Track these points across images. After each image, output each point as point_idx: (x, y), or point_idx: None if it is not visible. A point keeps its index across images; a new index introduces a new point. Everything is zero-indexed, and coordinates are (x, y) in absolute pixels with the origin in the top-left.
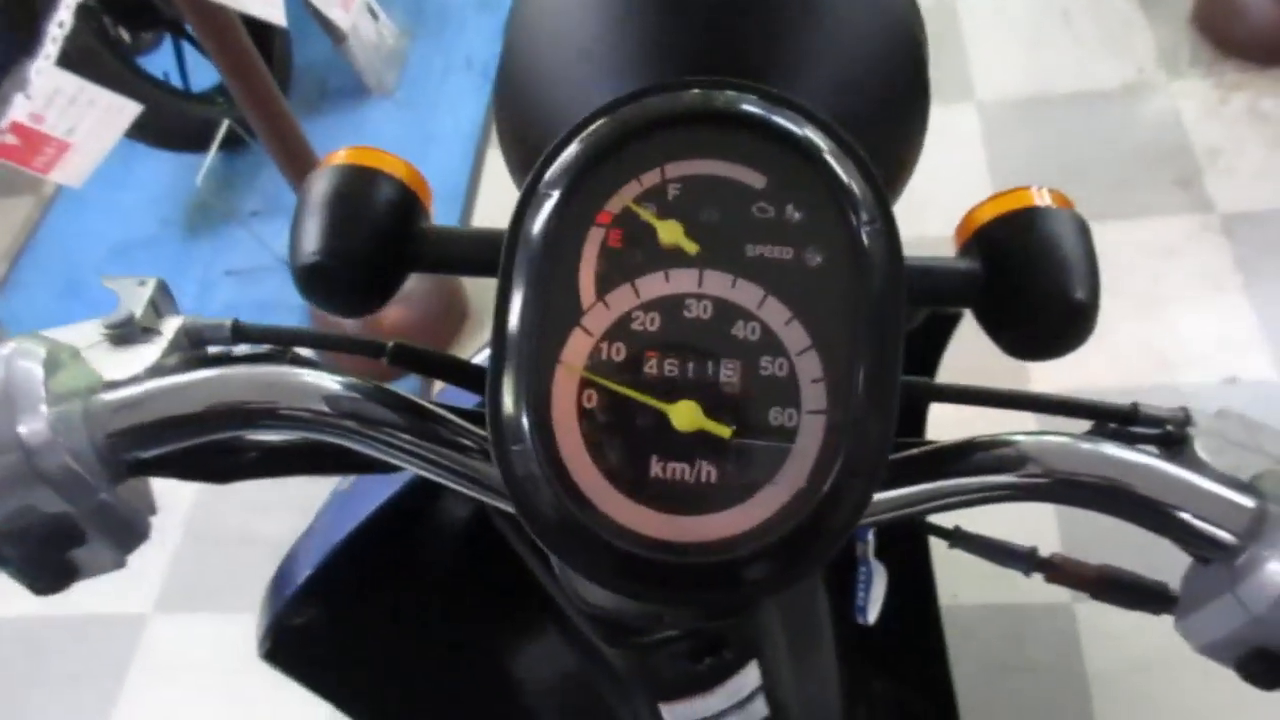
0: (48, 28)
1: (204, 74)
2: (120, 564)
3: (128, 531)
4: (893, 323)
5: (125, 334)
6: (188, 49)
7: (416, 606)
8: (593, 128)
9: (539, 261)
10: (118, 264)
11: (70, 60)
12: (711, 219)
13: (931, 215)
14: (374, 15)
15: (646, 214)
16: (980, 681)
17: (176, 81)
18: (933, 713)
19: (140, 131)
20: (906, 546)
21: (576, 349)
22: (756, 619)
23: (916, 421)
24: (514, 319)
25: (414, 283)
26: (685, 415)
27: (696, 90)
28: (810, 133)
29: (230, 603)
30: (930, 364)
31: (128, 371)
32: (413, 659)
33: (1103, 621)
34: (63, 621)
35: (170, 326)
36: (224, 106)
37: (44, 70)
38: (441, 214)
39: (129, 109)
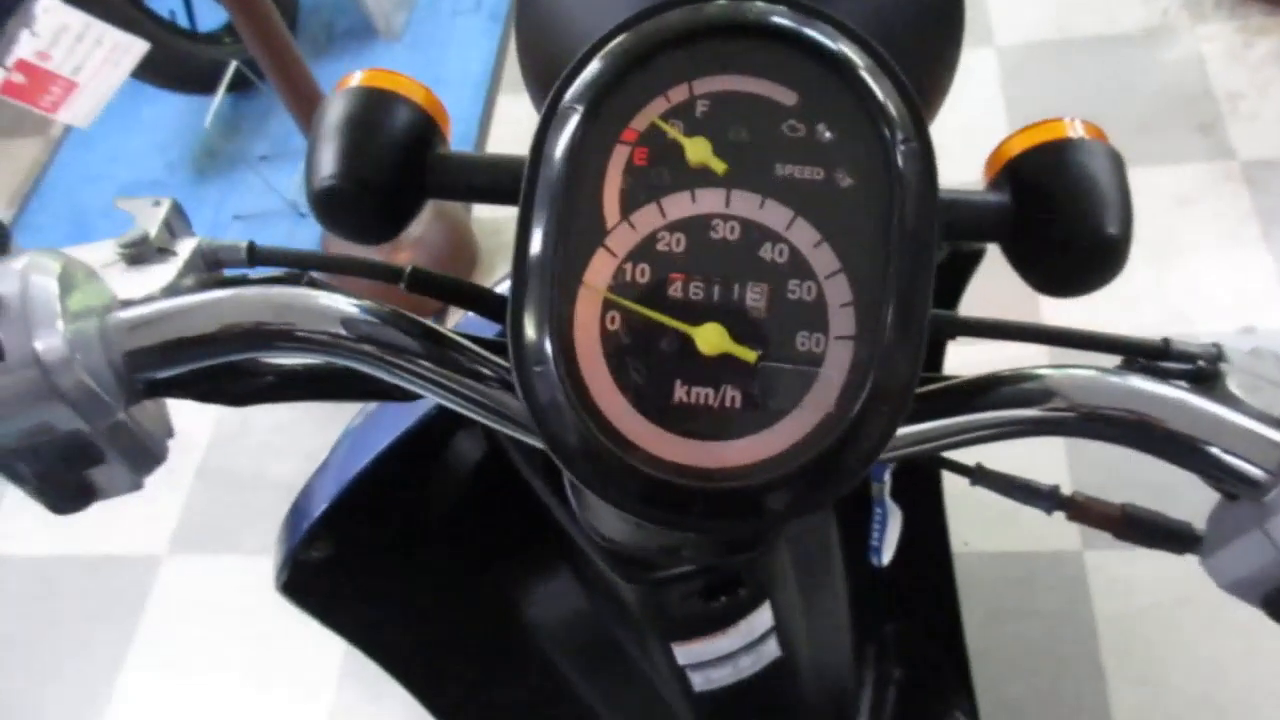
0: None
1: (211, 13)
2: (138, 486)
3: (144, 453)
4: (925, 247)
5: (140, 254)
6: None
7: (429, 544)
8: (618, 41)
9: (562, 180)
10: None
11: None
12: (740, 137)
13: (947, 162)
14: None
15: (674, 131)
16: (989, 627)
17: (183, 21)
18: (942, 654)
19: (147, 72)
20: (920, 488)
21: (600, 270)
22: (770, 559)
23: (935, 357)
24: (536, 239)
25: (424, 226)
26: (710, 338)
27: (726, 2)
28: (844, 47)
29: (243, 544)
30: (951, 297)
31: (143, 291)
32: (425, 596)
33: (1111, 568)
34: (78, 561)
35: (185, 247)
36: (232, 47)
37: (50, 7)
38: None
39: (136, 47)
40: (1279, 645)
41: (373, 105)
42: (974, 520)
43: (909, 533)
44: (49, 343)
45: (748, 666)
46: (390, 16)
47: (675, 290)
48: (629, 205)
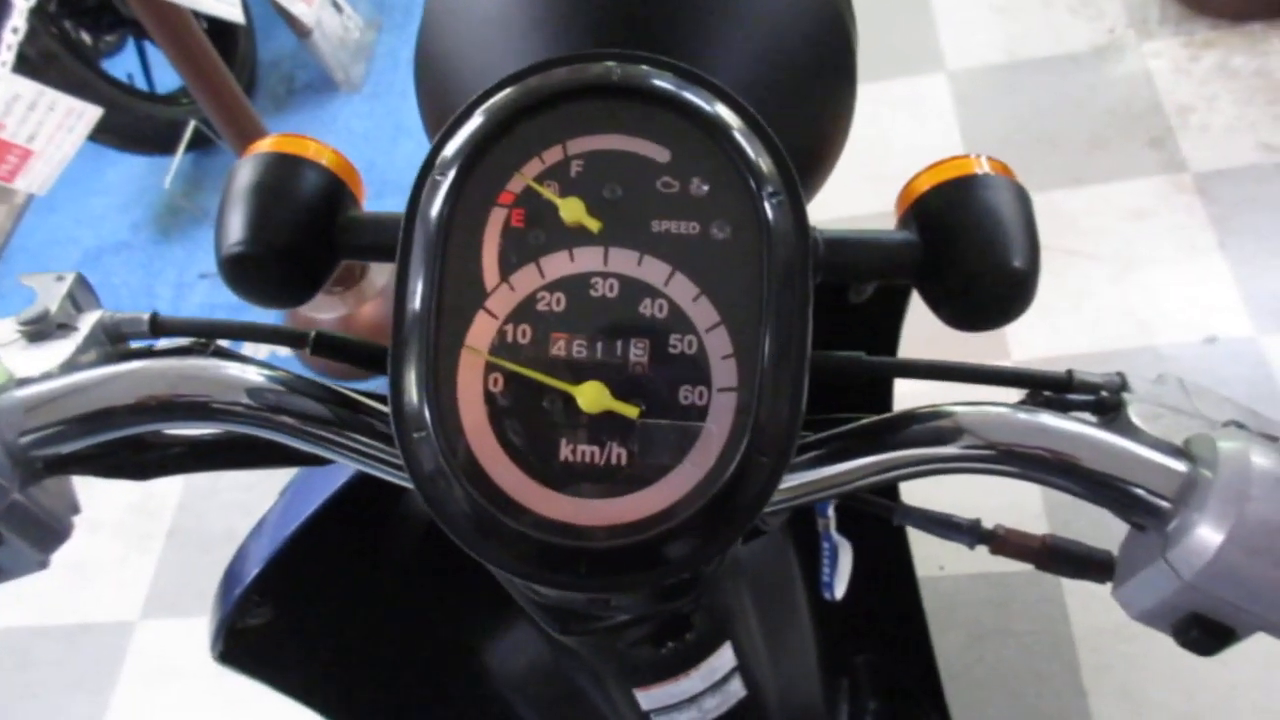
0: (2, 34)
1: (169, 74)
2: (43, 565)
3: (46, 532)
4: (799, 296)
5: (41, 330)
6: (151, 50)
7: (381, 596)
8: (492, 101)
9: (439, 243)
10: (91, 270)
11: (31, 65)
12: (615, 195)
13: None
14: (338, 8)
15: (548, 192)
16: (969, 650)
17: (141, 83)
18: (915, 681)
19: (107, 134)
20: (877, 518)
21: (481, 332)
22: (725, 598)
23: (883, 395)
24: (416, 304)
25: (389, 273)
26: (592, 397)
27: (601, 63)
28: (713, 105)
29: None
30: (889, 333)
31: (41, 369)
32: (382, 651)
33: (1087, 585)
34: (50, 632)
35: (87, 322)
36: (190, 106)
37: (1, 77)
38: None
39: (89, 113)
40: (1257, 655)
41: (279, 170)
42: (948, 543)
43: (872, 563)
44: None
45: (713, 708)
46: (349, 68)
47: (558, 349)
48: (508, 267)
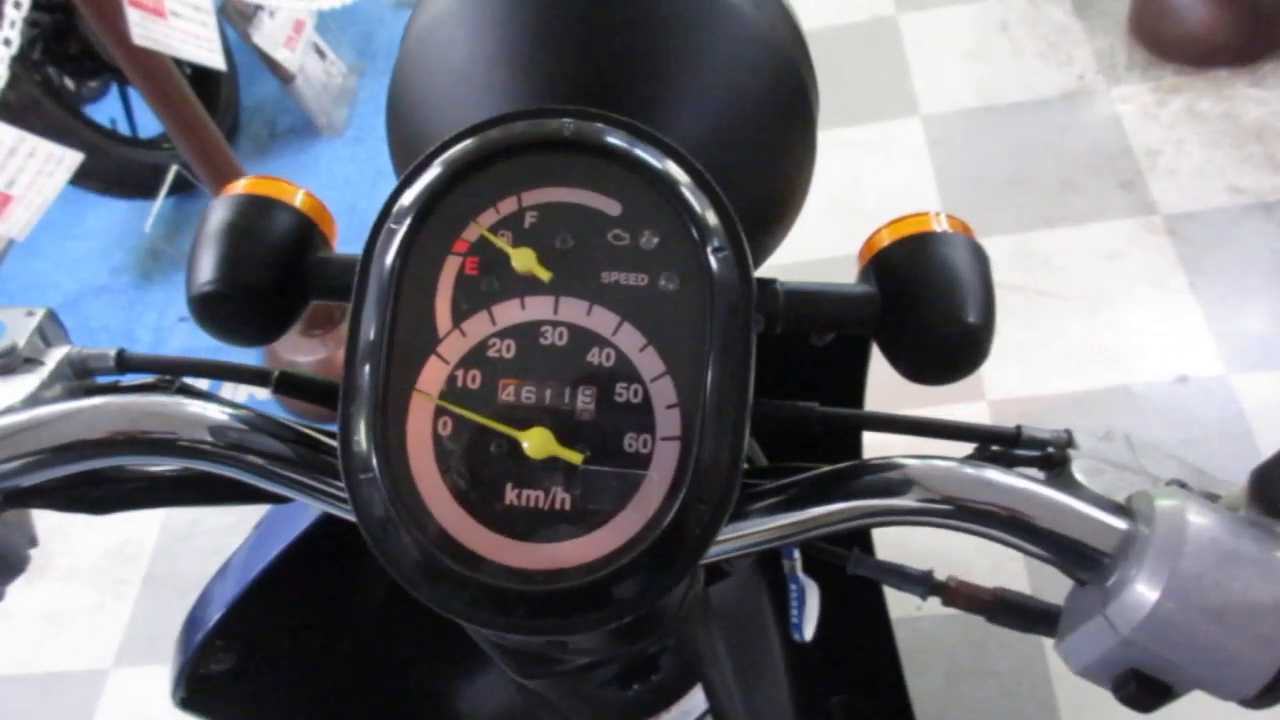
0: None
1: (152, 119)
2: None
3: (2, 564)
4: (742, 347)
5: (8, 364)
6: (134, 94)
7: (348, 640)
8: (450, 153)
9: (393, 288)
10: (71, 313)
11: (13, 110)
12: (567, 245)
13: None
14: (321, 54)
15: (501, 242)
16: (948, 690)
17: (124, 128)
18: None
19: (89, 179)
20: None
21: (432, 377)
22: (694, 641)
23: (852, 442)
24: (368, 345)
25: None
26: (538, 442)
27: (557, 119)
28: (662, 162)
29: None
30: (854, 381)
31: (6, 402)
32: (350, 697)
33: None
34: (22, 680)
35: (54, 357)
36: (172, 151)
37: None
38: None
39: (70, 158)
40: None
41: (251, 211)
42: None
43: (846, 603)
44: None
45: None
46: (331, 113)
47: (506, 395)
48: (460, 313)
